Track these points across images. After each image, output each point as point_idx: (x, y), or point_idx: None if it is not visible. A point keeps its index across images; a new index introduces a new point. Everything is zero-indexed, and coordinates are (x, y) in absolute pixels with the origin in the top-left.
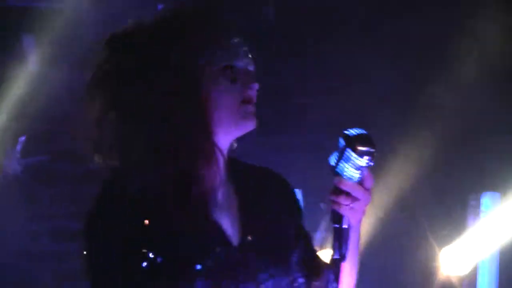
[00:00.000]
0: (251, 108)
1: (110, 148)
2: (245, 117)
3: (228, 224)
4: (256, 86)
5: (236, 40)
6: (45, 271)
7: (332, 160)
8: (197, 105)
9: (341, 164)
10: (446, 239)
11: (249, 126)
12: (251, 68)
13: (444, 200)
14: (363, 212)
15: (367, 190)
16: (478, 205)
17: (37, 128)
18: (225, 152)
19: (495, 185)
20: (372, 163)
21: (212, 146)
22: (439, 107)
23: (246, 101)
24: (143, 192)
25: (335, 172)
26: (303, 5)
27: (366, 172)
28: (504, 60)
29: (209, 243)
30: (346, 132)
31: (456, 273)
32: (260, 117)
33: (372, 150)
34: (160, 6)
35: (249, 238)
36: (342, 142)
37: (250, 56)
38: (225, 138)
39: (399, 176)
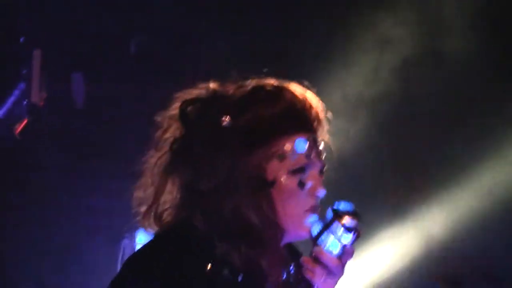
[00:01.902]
0: (314, 218)
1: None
2: (306, 228)
3: None
4: (323, 193)
5: (313, 136)
6: None
7: (315, 230)
8: (265, 202)
9: (324, 236)
10: None
11: (305, 236)
12: (321, 172)
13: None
14: (334, 286)
15: (343, 265)
16: None
17: None
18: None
19: None
20: (355, 241)
21: (278, 243)
22: None
23: (310, 210)
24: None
25: (315, 242)
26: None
27: (348, 248)
28: None
29: None
30: (336, 205)
31: None
32: None
33: (358, 227)
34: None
35: None
36: (330, 213)
37: (324, 156)
38: (284, 239)
39: None
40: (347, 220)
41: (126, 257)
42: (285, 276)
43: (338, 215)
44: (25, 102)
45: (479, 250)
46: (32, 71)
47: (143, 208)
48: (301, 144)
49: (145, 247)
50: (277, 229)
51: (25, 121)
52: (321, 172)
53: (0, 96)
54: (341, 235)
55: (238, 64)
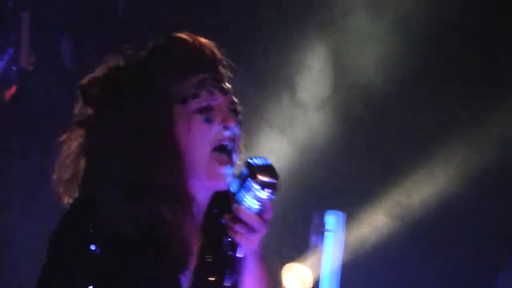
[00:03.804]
0: (222, 166)
1: (83, 180)
2: (218, 176)
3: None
4: (234, 125)
5: (210, 73)
6: None
7: (233, 187)
8: (168, 147)
9: (241, 193)
10: (288, 256)
11: (221, 186)
12: (229, 105)
13: (288, 217)
14: (258, 244)
15: (265, 222)
16: (321, 223)
17: None
18: (202, 203)
19: (339, 204)
20: (273, 196)
21: (183, 191)
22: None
23: (221, 148)
24: (105, 226)
25: (235, 200)
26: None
27: (266, 204)
28: None
29: None
30: (249, 161)
31: None
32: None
33: (274, 182)
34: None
35: None
36: (244, 170)
37: (228, 90)
38: (201, 188)
39: None
40: (262, 176)
41: None
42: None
43: (253, 172)
44: (14, 68)
45: None
46: (20, 36)
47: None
48: (199, 84)
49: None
50: (181, 176)
51: (14, 87)
52: (231, 107)
53: None
54: (258, 191)
55: None
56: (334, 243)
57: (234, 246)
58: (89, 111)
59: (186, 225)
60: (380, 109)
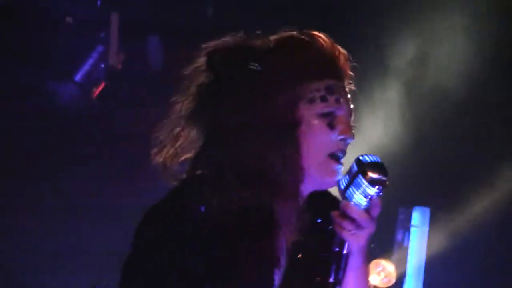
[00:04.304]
0: (338, 165)
1: (195, 162)
2: (330, 174)
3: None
4: (352, 139)
5: (341, 81)
6: None
7: (342, 184)
8: (291, 143)
9: (350, 189)
10: (374, 252)
11: (331, 183)
12: (349, 117)
13: None
14: (366, 240)
15: (372, 218)
16: (407, 219)
17: None
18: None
19: (425, 200)
20: (381, 193)
21: (297, 189)
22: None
23: (335, 157)
24: (215, 217)
25: (343, 196)
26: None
27: (374, 201)
28: None
29: None
30: (360, 157)
31: (383, 286)
32: None
33: (384, 179)
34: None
35: None
36: (354, 167)
37: (351, 105)
38: (308, 185)
39: None
40: (372, 173)
41: None
42: (306, 226)
43: (363, 168)
44: (102, 66)
45: None
46: (110, 34)
47: (160, 149)
48: (331, 89)
49: (163, 198)
50: (298, 174)
51: (102, 85)
52: (350, 119)
53: (78, 60)
54: (367, 187)
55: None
56: (419, 239)
57: (341, 242)
58: (208, 79)
59: (288, 220)
60: (461, 106)
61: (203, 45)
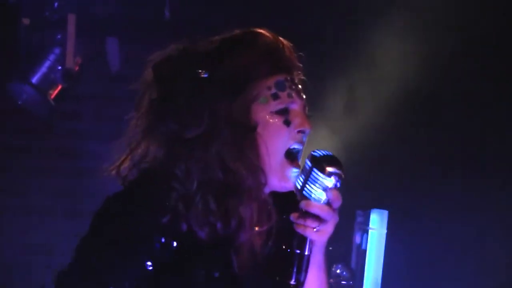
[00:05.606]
0: (294, 169)
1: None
2: (285, 179)
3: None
4: (309, 129)
5: (290, 75)
6: None
7: (298, 183)
8: (252, 146)
9: (307, 186)
10: (332, 255)
11: (288, 188)
12: (304, 109)
13: None
14: (328, 234)
15: (334, 210)
16: (365, 222)
17: None
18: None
19: (383, 203)
20: (339, 184)
21: (261, 190)
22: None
23: (292, 155)
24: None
25: (301, 195)
26: None
27: (334, 193)
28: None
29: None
30: (313, 153)
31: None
32: None
33: (339, 171)
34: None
35: None
36: (308, 163)
37: (303, 96)
38: (268, 189)
39: None
40: (326, 165)
41: None
42: (272, 224)
43: (318, 162)
44: (59, 68)
45: None
46: (66, 36)
47: (117, 162)
48: (281, 85)
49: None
50: (260, 176)
51: (59, 87)
52: (305, 111)
53: (35, 62)
54: (324, 179)
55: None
56: (377, 242)
57: (303, 242)
58: (158, 93)
59: (255, 222)
60: (429, 110)
61: (149, 58)
